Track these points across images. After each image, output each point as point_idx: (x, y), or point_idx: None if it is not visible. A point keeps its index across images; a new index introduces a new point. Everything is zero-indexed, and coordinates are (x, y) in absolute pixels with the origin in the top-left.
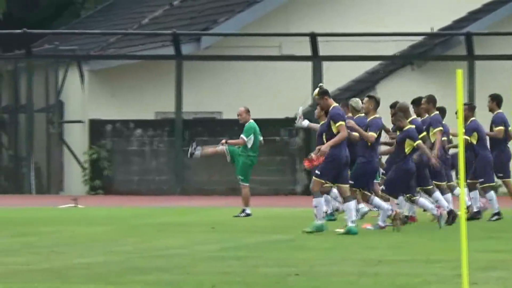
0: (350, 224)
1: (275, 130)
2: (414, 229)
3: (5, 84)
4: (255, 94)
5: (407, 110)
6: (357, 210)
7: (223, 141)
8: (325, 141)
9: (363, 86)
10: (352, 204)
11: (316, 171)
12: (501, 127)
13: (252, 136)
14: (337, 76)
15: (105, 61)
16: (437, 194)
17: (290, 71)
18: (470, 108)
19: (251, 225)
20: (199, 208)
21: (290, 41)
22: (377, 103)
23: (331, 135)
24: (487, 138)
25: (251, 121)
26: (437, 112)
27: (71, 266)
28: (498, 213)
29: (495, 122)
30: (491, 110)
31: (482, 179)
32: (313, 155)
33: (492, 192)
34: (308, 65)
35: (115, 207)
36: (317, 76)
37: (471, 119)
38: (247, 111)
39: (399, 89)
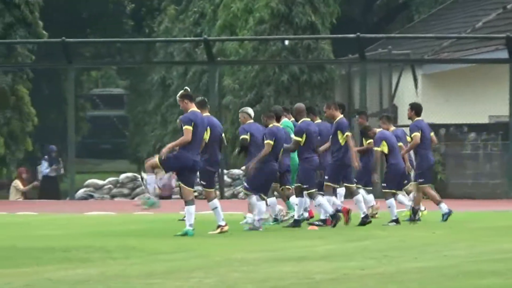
0: (188, 227)
1: None
2: None
3: (339, 88)
4: None
5: (303, 111)
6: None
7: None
8: None
9: None
10: (192, 208)
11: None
12: (417, 133)
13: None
14: None
15: (438, 65)
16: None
17: None
18: (385, 118)
19: None
20: None
21: None
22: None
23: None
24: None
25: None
26: (341, 116)
27: (404, 270)
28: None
29: (411, 130)
30: (410, 118)
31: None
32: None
33: (392, 200)
34: None
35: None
36: None
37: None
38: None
39: None
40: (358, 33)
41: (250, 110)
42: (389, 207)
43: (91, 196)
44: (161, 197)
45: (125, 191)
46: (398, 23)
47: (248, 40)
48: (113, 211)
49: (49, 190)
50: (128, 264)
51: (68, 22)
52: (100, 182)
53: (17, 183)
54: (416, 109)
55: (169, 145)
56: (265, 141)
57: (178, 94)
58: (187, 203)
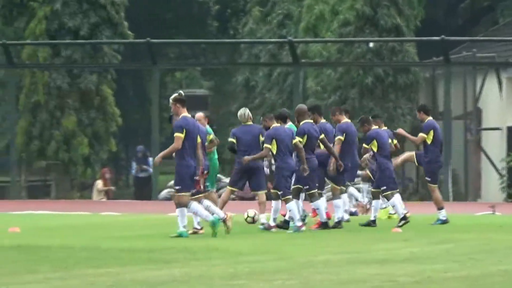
0: (181, 229)
1: None
2: None
3: (423, 91)
4: None
5: (305, 113)
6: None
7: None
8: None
9: None
10: (184, 210)
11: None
12: (423, 134)
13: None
14: None
15: None
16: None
17: None
18: (380, 119)
19: None
20: None
21: None
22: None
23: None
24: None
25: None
26: (346, 121)
27: (488, 273)
28: (404, 217)
29: (422, 130)
30: (422, 120)
31: (384, 187)
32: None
33: (394, 198)
34: None
35: None
36: None
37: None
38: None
39: None
40: (442, 36)
41: (240, 112)
42: (373, 206)
43: None
44: (243, 199)
45: None
46: (483, 26)
47: (333, 42)
48: None
49: (142, 191)
50: (211, 265)
51: (153, 23)
52: None
53: (99, 183)
54: (423, 109)
55: (161, 154)
56: (264, 145)
57: (172, 97)
58: (178, 205)
